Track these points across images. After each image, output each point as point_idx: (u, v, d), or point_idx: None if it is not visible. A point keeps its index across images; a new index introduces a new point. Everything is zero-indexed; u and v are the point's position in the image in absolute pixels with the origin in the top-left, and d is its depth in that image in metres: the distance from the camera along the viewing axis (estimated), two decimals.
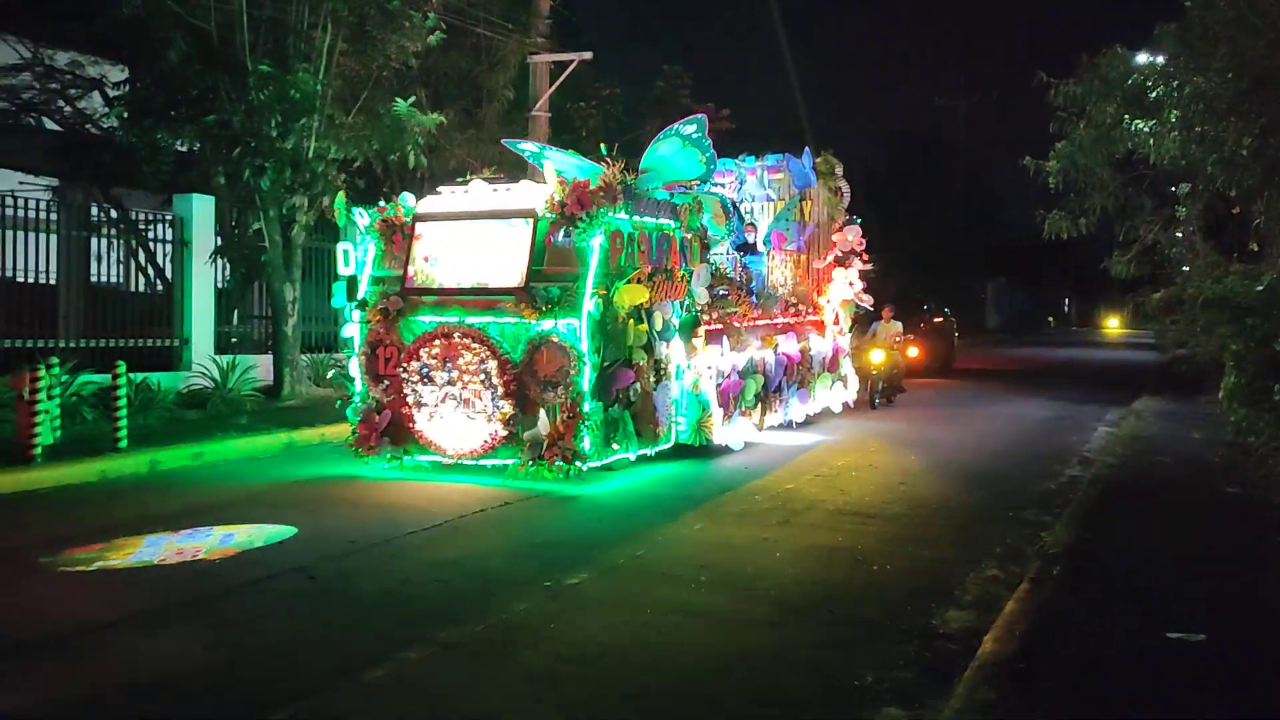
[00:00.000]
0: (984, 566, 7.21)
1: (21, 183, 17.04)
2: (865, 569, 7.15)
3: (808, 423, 14.22)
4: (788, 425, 13.74)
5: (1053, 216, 17.89)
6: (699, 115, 12.43)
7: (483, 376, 9.90)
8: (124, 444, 10.65)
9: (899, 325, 17.58)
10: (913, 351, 20.64)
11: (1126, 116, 16.21)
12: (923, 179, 47.04)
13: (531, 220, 10.11)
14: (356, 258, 10.80)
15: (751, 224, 14.91)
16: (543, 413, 9.86)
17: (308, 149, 14.06)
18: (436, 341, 10.07)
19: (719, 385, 11.62)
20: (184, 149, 15.00)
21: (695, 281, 11.45)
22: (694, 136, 12.20)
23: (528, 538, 7.95)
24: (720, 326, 11.96)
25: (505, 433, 9.94)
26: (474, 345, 9.92)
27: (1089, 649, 5.42)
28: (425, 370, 10.11)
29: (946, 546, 7.88)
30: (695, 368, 11.37)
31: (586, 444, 9.71)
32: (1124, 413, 16.32)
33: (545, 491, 9.52)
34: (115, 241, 16.01)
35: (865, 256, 15.83)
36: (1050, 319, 69.63)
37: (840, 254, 15.69)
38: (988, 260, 55.90)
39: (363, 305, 10.61)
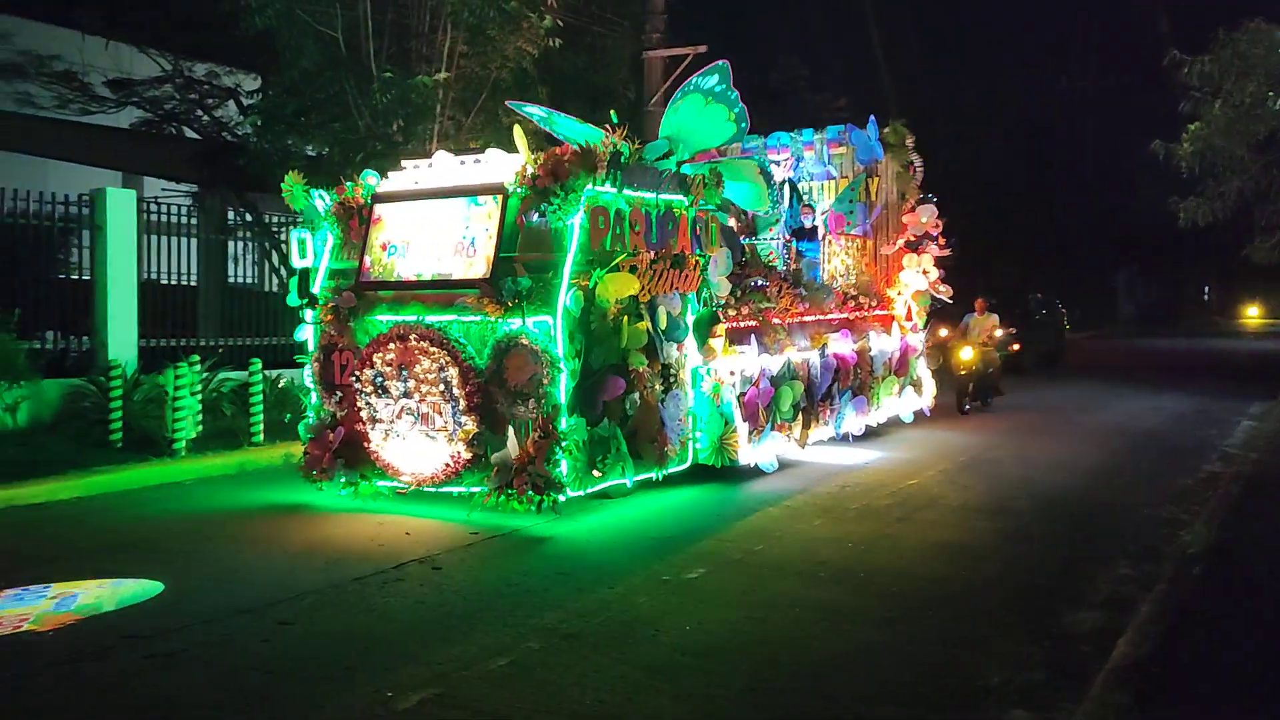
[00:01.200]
0: (1116, 565, 6.97)
1: (164, 189, 17.92)
2: (990, 566, 7.00)
3: (869, 435, 12.38)
4: (842, 439, 11.79)
5: (1189, 204, 17.16)
6: (720, 63, 10.54)
7: (442, 387, 8.24)
8: (258, 439, 11.11)
9: (994, 318, 15.61)
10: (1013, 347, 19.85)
11: (1270, 94, 15.43)
12: (1047, 164, 45.56)
13: (500, 197, 8.45)
14: (314, 248, 9.32)
15: (809, 205, 13.51)
16: (511, 431, 8.09)
17: (430, 151, 14.41)
18: (391, 345, 8.43)
19: (743, 394, 9.84)
20: (313, 154, 15.55)
21: (713, 270, 9.67)
22: (717, 90, 10.36)
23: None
24: (753, 324, 10.34)
25: (469, 455, 8.26)
26: (432, 349, 8.24)
27: (1229, 653, 5.20)
28: (380, 380, 8.50)
29: (1075, 545, 7.65)
30: (715, 374, 9.58)
31: (564, 469, 7.98)
32: (1269, 406, 15.54)
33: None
34: (250, 244, 16.70)
35: (942, 241, 13.80)
36: (1187, 308, 66.72)
37: (912, 238, 13.76)
38: (1119, 248, 53.80)
39: (313, 303, 9.18)
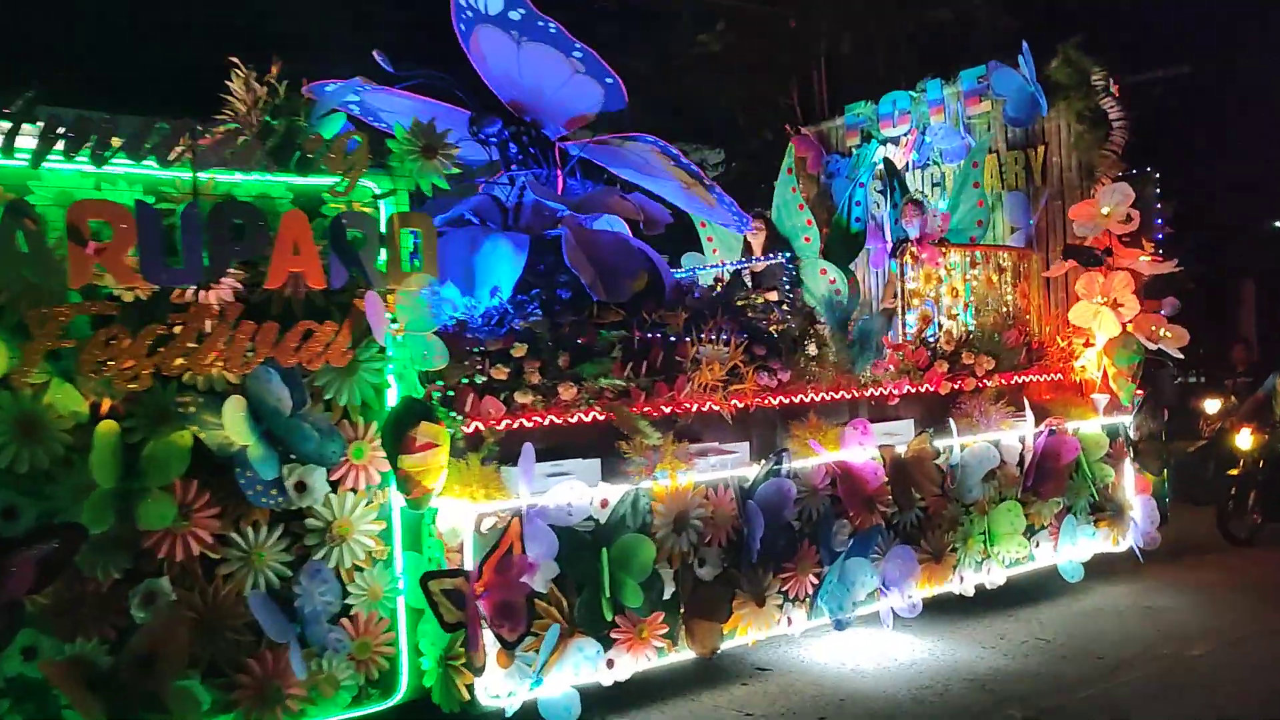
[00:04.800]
0: None
1: None
2: None
3: (971, 603, 6.70)
4: (863, 621, 6.16)
5: None
6: None
7: None
8: None
9: None
10: None
11: None
12: None
13: None
14: None
15: (915, 200, 8.39)
16: None
17: None
18: None
19: (474, 578, 4.64)
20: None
21: (399, 314, 4.67)
22: (518, 20, 5.87)
23: None
24: (599, 416, 5.34)
25: None
26: None
27: None
28: None
29: None
30: (438, 525, 4.84)
31: None
32: None
33: None
34: None
35: (1150, 245, 7.75)
36: None
37: (1084, 244, 7.84)
38: None
39: None
